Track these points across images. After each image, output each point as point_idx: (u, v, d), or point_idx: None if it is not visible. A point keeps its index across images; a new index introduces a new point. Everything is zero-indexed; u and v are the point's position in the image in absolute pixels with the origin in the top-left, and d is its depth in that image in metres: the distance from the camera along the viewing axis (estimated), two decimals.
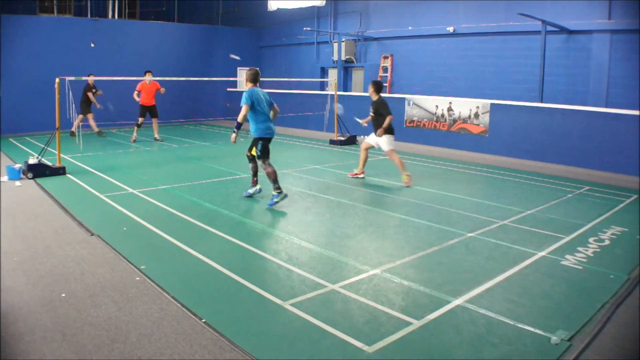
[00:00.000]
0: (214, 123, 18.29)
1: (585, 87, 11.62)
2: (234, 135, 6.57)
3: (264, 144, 6.63)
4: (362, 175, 8.64)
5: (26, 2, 16.56)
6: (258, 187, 7.07)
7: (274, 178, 6.58)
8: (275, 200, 6.58)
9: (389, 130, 8.20)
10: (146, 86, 12.59)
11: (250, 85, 6.59)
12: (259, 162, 6.73)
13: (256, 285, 4.09)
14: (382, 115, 8.08)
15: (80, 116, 12.96)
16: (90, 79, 12.90)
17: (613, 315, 3.68)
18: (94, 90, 13.37)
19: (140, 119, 12.72)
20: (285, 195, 6.66)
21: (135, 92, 12.63)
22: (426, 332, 3.40)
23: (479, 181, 8.95)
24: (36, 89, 14.45)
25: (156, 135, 13.20)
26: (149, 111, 12.76)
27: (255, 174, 7.02)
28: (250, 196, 7.06)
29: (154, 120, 13.02)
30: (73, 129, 12.77)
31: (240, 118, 6.38)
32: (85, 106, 13.24)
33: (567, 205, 7.06)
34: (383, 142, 8.22)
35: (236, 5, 20.24)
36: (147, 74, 12.60)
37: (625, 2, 10.87)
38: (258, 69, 6.73)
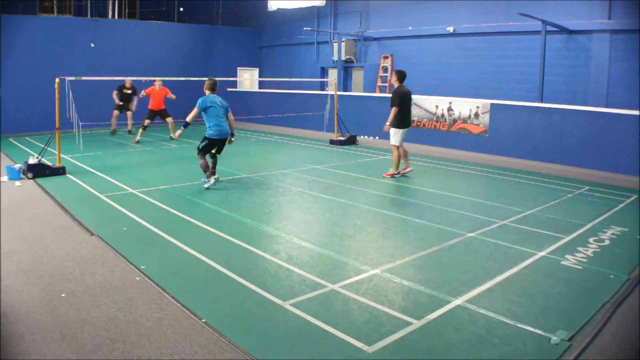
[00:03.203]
0: None
1: (585, 87, 11.61)
2: (179, 132, 7.61)
3: (209, 142, 7.50)
4: (408, 169, 8.69)
5: (26, 2, 16.54)
6: (214, 178, 7.60)
7: (203, 169, 7.58)
8: (206, 184, 7.53)
9: (398, 124, 7.93)
10: (156, 91, 12.88)
11: (208, 92, 7.54)
12: (197, 154, 7.64)
13: (256, 285, 4.09)
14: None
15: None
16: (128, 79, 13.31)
17: (613, 315, 3.68)
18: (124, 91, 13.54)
19: (147, 121, 12.91)
20: (217, 180, 7.53)
21: (143, 92, 12.84)
22: (426, 332, 3.40)
23: (479, 181, 8.94)
24: (36, 89, 14.45)
25: (172, 135, 13.19)
26: (159, 114, 13.04)
27: (213, 166, 7.74)
28: (208, 188, 7.56)
29: (169, 121, 13.18)
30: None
31: (189, 118, 7.33)
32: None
33: (567, 205, 7.06)
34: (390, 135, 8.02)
35: (236, 5, 20.22)
36: (156, 81, 12.89)
37: (625, 2, 10.87)
38: (216, 79, 7.69)
